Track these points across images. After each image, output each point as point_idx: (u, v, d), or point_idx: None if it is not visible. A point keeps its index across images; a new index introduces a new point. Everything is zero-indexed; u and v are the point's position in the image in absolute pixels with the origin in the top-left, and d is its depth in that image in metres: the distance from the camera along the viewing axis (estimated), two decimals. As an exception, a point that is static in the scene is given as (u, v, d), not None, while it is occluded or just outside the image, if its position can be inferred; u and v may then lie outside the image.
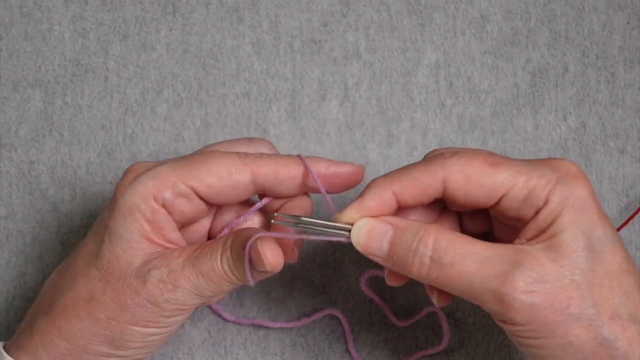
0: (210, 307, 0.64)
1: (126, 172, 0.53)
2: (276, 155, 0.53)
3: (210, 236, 0.56)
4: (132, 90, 0.67)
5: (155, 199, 0.51)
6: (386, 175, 0.50)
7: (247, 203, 0.56)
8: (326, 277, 0.64)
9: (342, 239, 0.50)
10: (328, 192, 0.53)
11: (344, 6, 0.67)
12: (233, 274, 0.51)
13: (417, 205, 0.51)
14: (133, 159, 0.66)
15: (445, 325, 0.62)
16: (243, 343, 0.63)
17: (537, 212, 0.48)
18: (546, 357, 0.48)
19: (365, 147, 0.66)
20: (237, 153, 0.52)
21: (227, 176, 0.51)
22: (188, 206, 0.52)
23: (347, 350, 0.63)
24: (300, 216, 0.51)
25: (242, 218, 0.55)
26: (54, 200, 0.65)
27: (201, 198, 0.52)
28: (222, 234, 0.55)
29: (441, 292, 0.51)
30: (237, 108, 0.67)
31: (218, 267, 0.51)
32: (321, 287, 0.64)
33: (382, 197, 0.49)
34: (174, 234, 0.52)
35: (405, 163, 0.66)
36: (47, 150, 0.66)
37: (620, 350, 0.47)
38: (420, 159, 0.65)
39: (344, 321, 0.63)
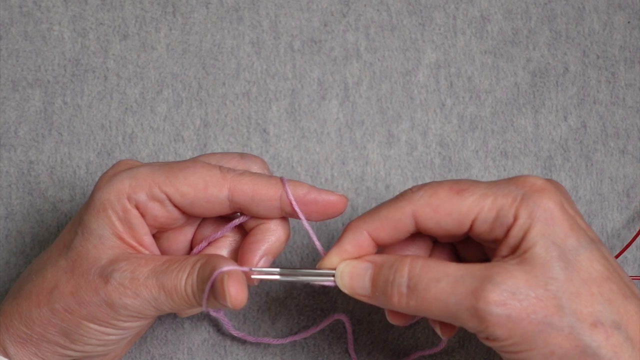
0: (209, 315, 0.63)
1: (111, 168, 0.53)
2: (258, 174, 0.53)
3: (192, 247, 0.56)
4: (131, 90, 0.67)
5: (129, 199, 0.51)
6: (360, 217, 0.51)
7: (227, 218, 0.55)
8: (326, 277, 0.64)
9: (327, 283, 0.51)
10: (307, 219, 0.53)
11: (344, 6, 0.67)
12: (195, 298, 0.51)
13: (397, 242, 0.52)
14: (133, 158, 0.66)
15: (445, 326, 0.62)
16: (243, 343, 0.63)
17: (508, 231, 0.48)
18: None
19: (365, 147, 0.66)
20: (220, 167, 0.52)
21: (202, 188, 0.51)
22: (161, 212, 0.52)
23: (347, 350, 0.63)
24: (281, 267, 0.51)
25: (219, 233, 0.54)
26: (54, 200, 0.65)
27: (176, 206, 0.52)
28: (200, 247, 0.55)
29: (443, 324, 0.52)
30: (237, 108, 0.66)
31: (181, 287, 0.50)
32: (321, 287, 0.64)
33: (358, 240, 0.51)
34: (146, 238, 0.52)
35: (406, 163, 0.66)
36: (46, 150, 0.66)
37: (605, 357, 0.46)
38: (421, 159, 0.65)
39: (348, 325, 0.63)
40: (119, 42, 0.67)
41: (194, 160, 0.53)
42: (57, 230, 0.65)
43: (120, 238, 0.51)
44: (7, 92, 0.67)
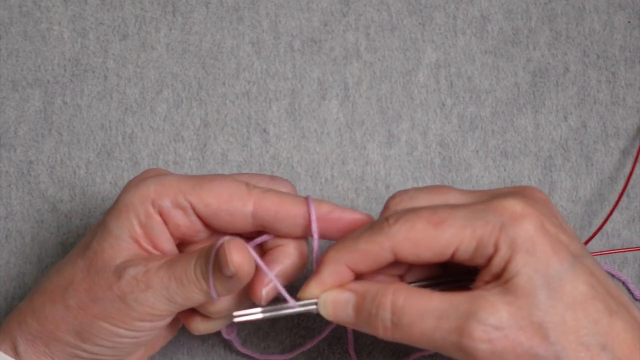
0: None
1: (141, 173, 0.54)
2: (284, 193, 0.53)
3: None
4: (131, 90, 0.67)
5: (152, 204, 0.51)
6: (337, 247, 0.50)
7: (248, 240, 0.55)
8: (326, 278, 0.64)
9: (311, 311, 0.51)
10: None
11: (344, 6, 0.67)
12: (204, 280, 0.50)
13: (375, 272, 0.51)
14: (133, 158, 0.66)
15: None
16: (243, 344, 0.63)
17: (489, 259, 0.48)
18: None
19: (365, 147, 0.66)
20: (247, 183, 0.52)
21: (226, 200, 0.51)
22: (184, 221, 0.52)
23: (347, 350, 0.63)
24: (260, 306, 0.51)
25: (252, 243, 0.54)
26: (54, 200, 0.65)
27: (199, 217, 0.52)
28: None
29: None
30: (237, 108, 0.66)
31: (190, 271, 0.50)
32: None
33: (337, 272, 0.50)
34: (167, 245, 0.52)
35: (406, 163, 0.66)
36: (46, 150, 0.66)
37: None
38: (421, 159, 0.65)
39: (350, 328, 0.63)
40: (118, 42, 0.67)
41: (223, 174, 0.53)
42: (57, 230, 0.65)
43: (137, 242, 0.51)
44: (7, 92, 0.67)
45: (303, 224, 0.52)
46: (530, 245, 0.47)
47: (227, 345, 0.63)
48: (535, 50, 0.67)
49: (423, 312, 0.47)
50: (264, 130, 0.66)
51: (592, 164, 0.65)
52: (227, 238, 0.49)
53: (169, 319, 0.53)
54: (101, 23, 0.67)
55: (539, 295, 0.46)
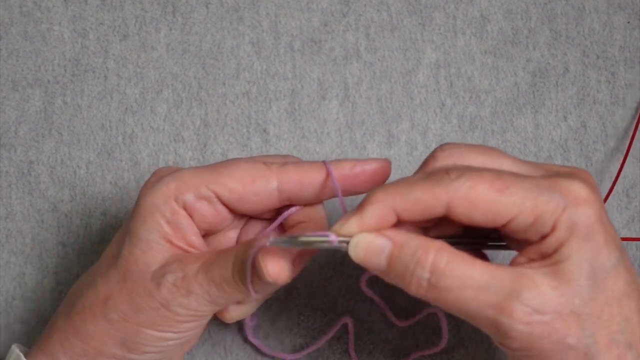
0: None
1: (151, 175, 0.53)
2: (302, 162, 0.53)
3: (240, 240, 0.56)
4: (131, 90, 0.67)
5: (176, 200, 0.51)
6: (387, 190, 0.48)
7: (268, 221, 0.55)
8: (326, 278, 0.64)
9: (340, 248, 0.49)
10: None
11: (344, 6, 0.67)
12: (243, 284, 0.50)
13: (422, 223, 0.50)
14: (133, 158, 0.66)
15: (444, 326, 0.62)
16: (243, 343, 0.63)
17: (543, 238, 0.47)
18: None
19: (365, 147, 0.66)
20: (263, 161, 0.52)
21: (250, 181, 0.51)
22: (210, 210, 0.52)
23: (347, 350, 0.63)
24: (294, 236, 0.48)
25: (267, 230, 0.54)
26: (54, 200, 0.65)
27: (224, 204, 0.52)
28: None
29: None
30: (237, 108, 0.66)
31: (229, 276, 0.50)
32: (321, 287, 0.64)
33: (381, 214, 0.48)
34: (195, 238, 0.52)
35: (406, 163, 0.66)
36: (46, 150, 0.66)
37: None
38: (421, 159, 0.65)
39: (351, 326, 0.63)
40: (119, 42, 0.67)
41: (236, 158, 0.53)
42: (58, 230, 0.65)
43: (169, 241, 0.51)
44: (7, 92, 0.67)
45: (328, 186, 0.52)
46: (588, 233, 0.46)
47: (227, 345, 0.63)
48: (535, 51, 0.67)
49: (464, 279, 0.46)
50: (264, 130, 0.66)
51: (591, 164, 0.65)
52: (258, 246, 0.49)
53: (211, 315, 0.53)
54: (101, 23, 0.67)
55: (583, 285, 0.46)
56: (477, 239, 0.53)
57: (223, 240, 0.55)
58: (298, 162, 0.53)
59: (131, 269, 0.51)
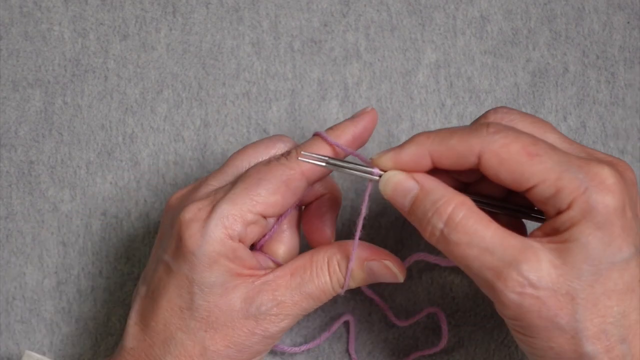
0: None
1: (186, 222, 0.51)
2: (307, 146, 0.53)
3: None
4: (132, 90, 0.67)
5: (231, 238, 0.51)
6: (428, 135, 0.50)
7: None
8: (326, 277, 0.64)
9: (372, 179, 0.52)
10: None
11: (344, 6, 0.67)
12: (341, 286, 0.53)
13: (454, 170, 0.51)
14: (133, 159, 0.66)
15: (444, 326, 0.62)
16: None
17: (558, 214, 0.47)
18: (531, 354, 0.49)
19: (365, 147, 0.66)
20: (278, 160, 0.52)
21: (285, 189, 0.52)
22: (258, 229, 0.53)
23: (347, 350, 0.63)
24: (328, 156, 0.52)
25: (282, 218, 0.55)
26: (54, 200, 0.65)
27: (267, 217, 0.53)
28: (268, 236, 0.55)
29: None
30: (237, 108, 0.67)
31: (330, 288, 0.53)
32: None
33: (417, 155, 0.50)
34: (253, 261, 0.53)
35: (405, 163, 0.66)
36: (47, 150, 0.66)
37: None
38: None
39: (353, 325, 0.63)
40: (119, 42, 0.67)
41: (255, 169, 0.53)
42: (58, 230, 0.65)
43: (240, 275, 0.51)
44: (8, 92, 0.67)
45: (344, 154, 0.53)
46: (603, 221, 0.46)
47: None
48: (535, 51, 0.67)
49: (474, 237, 0.48)
50: (264, 131, 0.66)
51: (591, 164, 0.65)
52: (381, 260, 0.53)
53: None
54: (102, 23, 0.67)
55: (585, 270, 0.46)
56: (520, 207, 0.53)
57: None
58: (304, 147, 0.53)
59: (216, 314, 0.51)
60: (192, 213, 0.52)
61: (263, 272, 0.52)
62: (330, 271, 0.52)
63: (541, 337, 0.47)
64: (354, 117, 0.54)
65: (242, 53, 0.67)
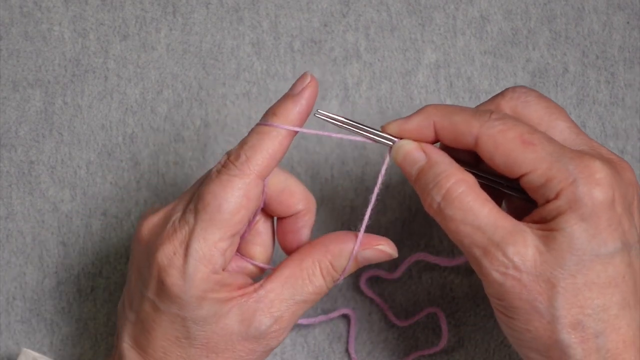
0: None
1: (164, 268, 0.50)
2: (255, 143, 0.51)
3: None
4: (132, 90, 0.67)
5: (215, 272, 0.50)
6: (437, 107, 0.52)
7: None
8: (326, 277, 0.64)
9: (385, 144, 0.53)
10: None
11: (344, 6, 0.67)
12: (335, 282, 0.53)
13: (454, 145, 0.52)
14: (133, 159, 0.66)
15: (444, 326, 0.62)
16: (243, 343, 0.63)
17: (546, 202, 0.48)
18: (510, 336, 0.50)
19: (365, 147, 0.66)
20: (228, 171, 0.50)
21: (247, 201, 0.50)
22: (233, 248, 0.52)
23: (347, 350, 0.63)
24: (344, 117, 0.53)
25: (251, 224, 0.54)
26: (54, 200, 0.65)
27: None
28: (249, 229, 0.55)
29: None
30: (237, 108, 0.67)
31: (324, 288, 0.53)
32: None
33: (421, 126, 0.52)
34: (238, 279, 0.52)
35: (405, 163, 0.66)
36: (47, 150, 0.66)
37: (573, 357, 0.48)
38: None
39: (353, 320, 0.63)
40: (119, 43, 0.67)
41: (208, 191, 0.50)
42: (58, 230, 0.65)
43: (231, 299, 0.51)
44: (8, 92, 0.67)
45: (290, 139, 0.52)
46: (588, 212, 0.47)
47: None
48: (535, 51, 0.67)
49: (468, 214, 0.49)
50: (264, 131, 0.66)
51: (591, 164, 0.65)
52: (357, 246, 0.52)
53: None
54: (102, 23, 0.67)
55: (568, 260, 0.47)
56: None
57: None
58: (253, 146, 0.51)
59: (214, 341, 0.51)
60: (168, 259, 0.50)
61: (252, 288, 0.52)
62: (323, 274, 0.52)
63: (520, 319, 0.48)
64: (294, 94, 0.51)
65: (242, 53, 0.67)
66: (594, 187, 0.47)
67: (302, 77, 0.52)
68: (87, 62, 0.67)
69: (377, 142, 0.53)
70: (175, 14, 0.68)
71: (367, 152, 0.66)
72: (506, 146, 0.49)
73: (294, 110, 0.51)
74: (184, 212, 0.51)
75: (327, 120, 0.53)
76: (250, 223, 0.54)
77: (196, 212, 0.50)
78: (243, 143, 0.51)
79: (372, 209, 0.53)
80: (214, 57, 0.67)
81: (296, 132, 0.51)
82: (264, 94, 0.67)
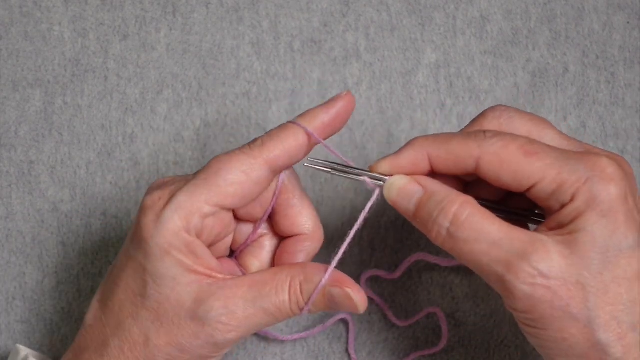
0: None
1: (144, 209, 0.51)
2: (275, 133, 0.52)
3: (232, 247, 0.56)
4: (132, 90, 0.67)
5: (187, 231, 0.50)
6: (427, 138, 0.51)
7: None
8: (326, 277, 0.64)
9: (375, 186, 0.51)
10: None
11: (344, 6, 0.67)
12: (300, 310, 0.51)
13: (452, 174, 0.51)
14: (133, 159, 0.66)
15: (444, 326, 0.62)
16: (243, 343, 0.63)
17: (562, 207, 0.48)
18: (541, 347, 0.49)
19: (365, 147, 0.66)
20: (241, 149, 0.51)
21: (245, 179, 0.51)
22: (215, 222, 0.51)
23: (347, 350, 0.63)
24: (334, 162, 0.52)
25: (260, 222, 0.54)
26: (54, 200, 0.65)
27: (227, 210, 0.52)
28: (245, 244, 0.55)
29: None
30: (237, 108, 0.67)
31: (286, 307, 0.51)
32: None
33: (415, 160, 0.51)
34: (212, 261, 0.52)
35: (405, 163, 0.66)
36: (47, 150, 0.66)
37: (613, 356, 0.47)
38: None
39: (352, 325, 0.63)
40: (119, 43, 0.67)
41: (216, 159, 0.52)
42: (58, 230, 0.65)
43: (194, 272, 0.50)
44: (8, 92, 0.67)
45: (310, 144, 0.52)
46: (607, 209, 0.47)
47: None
48: (535, 51, 0.67)
49: (480, 232, 0.48)
50: (264, 130, 0.66)
51: (591, 164, 0.66)
52: (327, 277, 0.50)
53: None
54: (102, 23, 0.67)
55: (593, 259, 0.47)
56: (520, 210, 0.53)
57: (220, 247, 0.55)
58: (271, 134, 0.52)
59: (164, 308, 0.50)
60: (152, 201, 0.51)
61: (221, 276, 0.51)
62: (290, 291, 0.51)
63: (553, 328, 0.47)
64: (327, 103, 0.53)
65: (242, 53, 0.67)
66: (609, 183, 0.47)
67: (344, 92, 0.52)
68: (87, 62, 0.67)
69: (367, 182, 0.51)
70: (175, 14, 0.68)
71: (367, 152, 0.66)
72: (511, 160, 0.48)
73: (321, 116, 0.52)
74: (188, 175, 0.53)
75: (316, 169, 0.52)
76: (258, 222, 0.54)
77: (196, 173, 0.51)
78: (266, 133, 0.52)
79: (348, 244, 0.52)
80: (214, 57, 0.67)
81: (315, 143, 0.52)
82: (264, 94, 0.67)
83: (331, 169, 0.52)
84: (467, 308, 0.64)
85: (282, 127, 0.52)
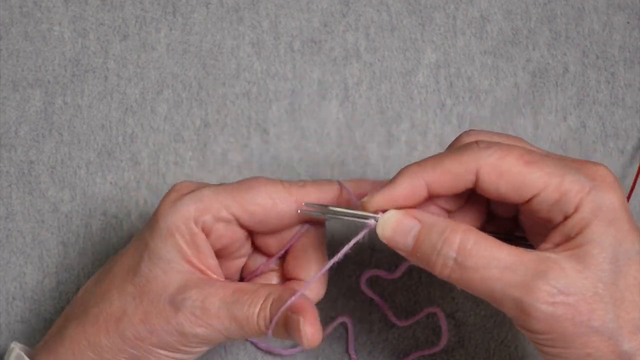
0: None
1: (170, 191, 0.52)
2: (318, 183, 0.53)
3: (243, 273, 0.56)
4: (132, 90, 0.67)
5: (195, 222, 0.50)
6: (418, 164, 0.49)
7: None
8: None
9: (369, 225, 0.49)
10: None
11: (344, 6, 0.67)
12: (266, 330, 0.50)
13: (451, 196, 0.50)
14: (133, 159, 0.66)
15: (444, 326, 0.62)
16: (243, 343, 0.63)
17: (566, 218, 0.47)
18: None
19: (365, 147, 0.66)
20: (282, 182, 0.52)
21: (271, 206, 0.51)
22: (226, 231, 0.52)
23: (347, 350, 0.63)
24: (327, 205, 0.51)
25: (276, 255, 0.55)
26: (54, 200, 0.65)
27: (243, 226, 0.52)
28: (257, 272, 0.55)
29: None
30: (237, 108, 0.67)
31: (254, 320, 0.50)
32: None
33: (412, 187, 0.49)
34: (212, 261, 0.52)
35: (406, 163, 0.65)
36: (47, 150, 0.66)
37: None
38: (421, 159, 0.65)
39: (350, 326, 0.63)
40: (119, 42, 0.67)
41: (254, 178, 0.52)
42: (58, 230, 0.65)
43: (189, 262, 0.51)
44: (8, 92, 0.67)
45: (343, 201, 0.52)
46: (612, 217, 0.46)
47: (227, 345, 0.63)
48: (535, 51, 0.67)
49: (490, 259, 0.46)
50: (264, 131, 0.66)
51: (591, 164, 0.66)
52: (293, 299, 0.49)
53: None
54: (102, 23, 0.67)
55: (605, 270, 0.46)
56: (502, 234, 0.53)
57: (231, 267, 0.55)
58: (314, 183, 0.53)
59: (150, 287, 0.51)
60: (181, 186, 0.52)
61: (215, 276, 0.52)
62: (262, 306, 0.50)
63: (576, 345, 0.46)
64: (380, 184, 0.51)
65: (242, 53, 0.67)
66: (611, 192, 0.47)
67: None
68: (87, 62, 0.67)
69: (362, 223, 0.49)
70: (175, 14, 0.68)
71: (367, 152, 0.66)
72: (511, 171, 0.47)
73: (367, 187, 0.52)
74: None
75: (310, 214, 0.51)
76: (268, 261, 0.55)
77: (234, 182, 0.52)
78: (309, 182, 0.53)
79: (323, 271, 0.52)
80: (214, 57, 0.67)
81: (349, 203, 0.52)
82: (264, 94, 0.67)
83: (323, 213, 0.51)
84: (467, 308, 0.64)
85: (327, 180, 0.53)
